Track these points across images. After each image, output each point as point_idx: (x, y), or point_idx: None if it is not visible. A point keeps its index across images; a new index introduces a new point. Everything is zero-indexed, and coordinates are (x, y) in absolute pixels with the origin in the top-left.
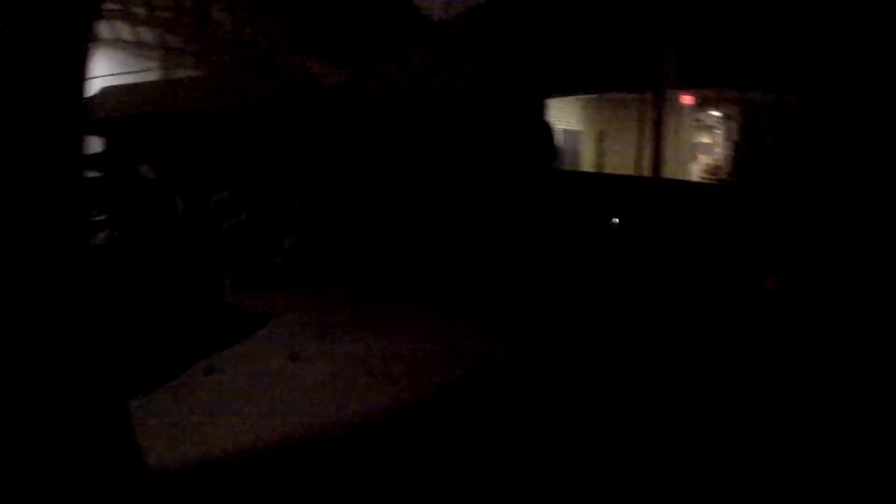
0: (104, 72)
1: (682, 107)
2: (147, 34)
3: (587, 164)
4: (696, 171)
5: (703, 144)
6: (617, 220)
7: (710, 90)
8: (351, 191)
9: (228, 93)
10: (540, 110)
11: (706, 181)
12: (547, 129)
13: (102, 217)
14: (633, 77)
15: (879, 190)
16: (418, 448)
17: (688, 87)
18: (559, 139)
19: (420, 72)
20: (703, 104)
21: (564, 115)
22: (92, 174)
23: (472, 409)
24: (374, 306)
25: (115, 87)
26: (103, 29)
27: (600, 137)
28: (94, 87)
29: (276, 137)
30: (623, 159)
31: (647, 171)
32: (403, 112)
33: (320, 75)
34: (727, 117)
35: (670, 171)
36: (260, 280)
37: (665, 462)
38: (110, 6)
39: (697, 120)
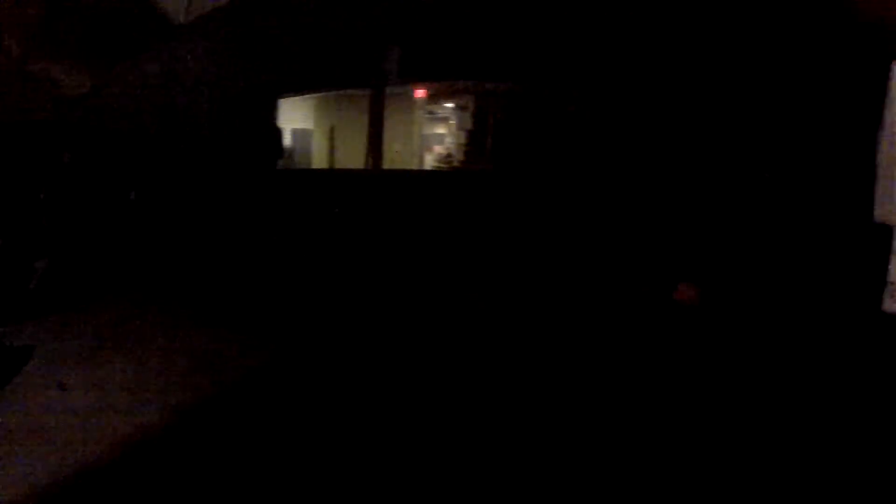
0: None
1: (415, 100)
2: None
3: (319, 161)
4: (430, 161)
5: (436, 135)
6: (338, 210)
7: (443, 83)
8: (101, 203)
9: None
10: (271, 111)
11: (438, 169)
12: (275, 130)
13: None
14: (362, 73)
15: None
16: (186, 456)
17: (419, 81)
18: (289, 139)
19: (159, 76)
20: (436, 97)
21: (296, 115)
22: None
23: (231, 413)
24: (131, 321)
25: None
26: None
27: (331, 134)
28: None
29: (19, 155)
30: (355, 155)
31: (376, 165)
32: (145, 119)
33: (65, 84)
34: (460, 108)
35: (403, 163)
36: (19, 311)
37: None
38: None
39: (431, 112)
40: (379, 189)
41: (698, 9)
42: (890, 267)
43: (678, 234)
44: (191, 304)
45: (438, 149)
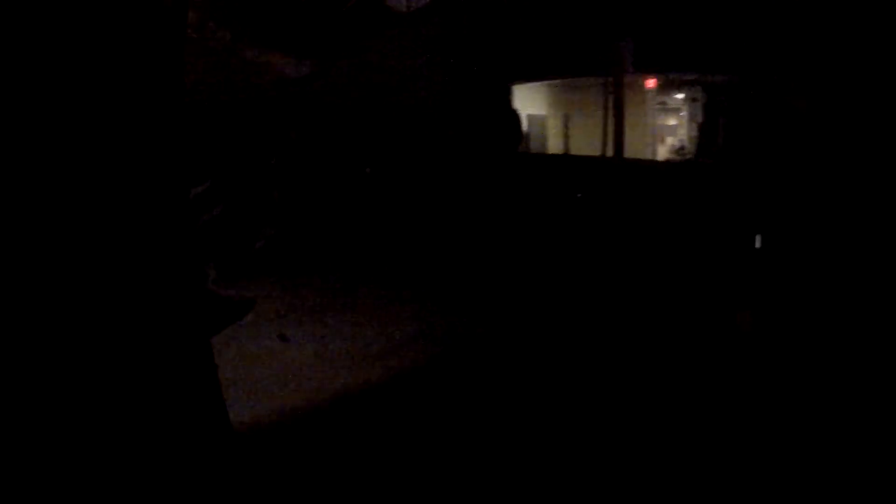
0: None
1: (646, 90)
2: None
3: (553, 147)
4: (661, 152)
5: (667, 126)
6: (580, 195)
7: (673, 74)
8: (326, 181)
9: (201, 89)
10: (506, 96)
11: (671, 160)
12: (513, 115)
13: None
14: (595, 62)
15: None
16: (395, 418)
17: (650, 71)
18: (525, 124)
19: (386, 61)
20: (666, 87)
21: (530, 101)
22: None
23: (448, 383)
24: (352, 292)
25: None
26: None
27: (566, 121)
28: None
29: (250, 131)
30: (588, 142)
31: (610, 152)
32: (370, 102)
33: (285, 68)
34: (690, 99)
35: (635, 153)
36: (243, 269)
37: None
38: None
39: (662, 103)
40: (611, 175)
41: None
42: None
43: None
44: (412, 281)
45: (668, 139)
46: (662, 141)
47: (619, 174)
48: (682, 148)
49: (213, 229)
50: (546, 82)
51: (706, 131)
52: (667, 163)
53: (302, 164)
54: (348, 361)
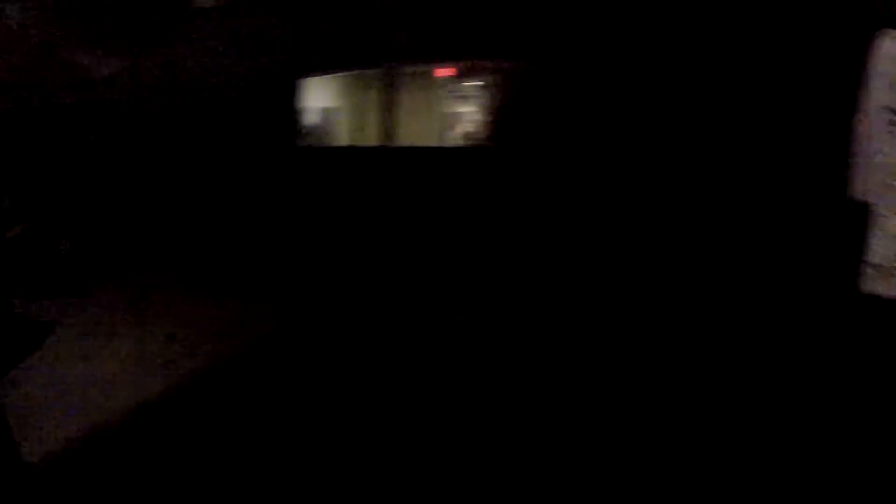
0: None
1: (437, 79)
2: None
3: (343, 139)
4: (453, 138)
5: (459, 113)
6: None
7: (467, 62)
8: (126, 185)
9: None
10: (294, 90)
11: (459, 146)
12: (299, 109)
13: None
14: (376, 54)
15: None
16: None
17: (443, 60)
18: (314, 117)
19: (192, 58)
20: (460, 76)
21: (320, 94)
22: None
23: (248, 378)
24: (153, 298)
25: None
26: None
27: (357, 113)
28: None
29: (50, 138)
30: (379, 132)
31: (401, 141)
32: (175, 101)
33: (91, 68)
34: (483, 86)
35: (423, 140)
36: (47, 288)
37: None
38: None
39: (453, 91)
40: (399, 164)
41: None
42: (870, 246)
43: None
44: (207, 279)
45: (458, 127)
46: (453, 128)
47: (397, 161)
48: (470, 133)
49: (17, 247)
50: (336, 75)
51: (494, 117)
52: (445, 148)
53: (103, 169)
54: (147, 371)
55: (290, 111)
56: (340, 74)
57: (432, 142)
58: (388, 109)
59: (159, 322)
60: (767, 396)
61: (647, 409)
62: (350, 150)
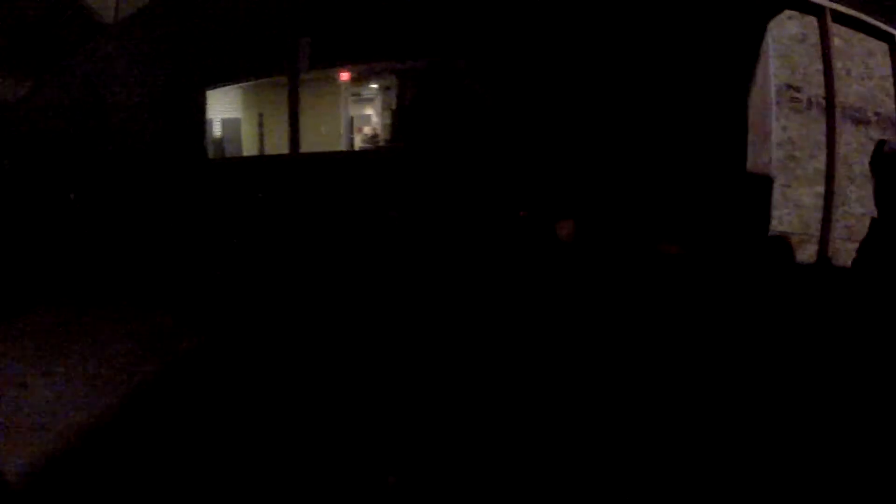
0: None
1: (339, 83)
2: None
3: (248, 148)
4: (357, 141)
5: (362, 116)
6: (261, 195)
7: (367, 64)
8: (41, 207)
9: None
10: (199, 101)
11: (363, 149)
12: (201, 120)
13: None
14: (276, 62)
15: None
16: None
17: (342, 64)
18: (218, 128)
19: (97, 75)
20: (360, 79)
21: (224, 104)
22: None
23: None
24: (78, 318)
25: None
26: None
27: (260, 122)
28: None
29: None
30: (283, 140)
31: (303, 148)
32: (81, 119)
33: (3, 90)
34: (383, 88)
35: (329, 146)
36: None
37: None
38: None
39: (356, 94)
40: (307, 170)
41: None
42: (774, 215)
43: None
44: (133, 297)
45: (364, 129)
46: (359, 131)
47: (300, 169)
48: (375, 136)
49: None
50: (238, 85)
51: (397, 118)
52: (351, 152)
53: (17, 194)
54: (85, 392)
55: (196, 124)
56: (244, 84)
57: (339, 146)
58: (294, 116)
59: (91, 341)
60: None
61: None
62: (255, 160)
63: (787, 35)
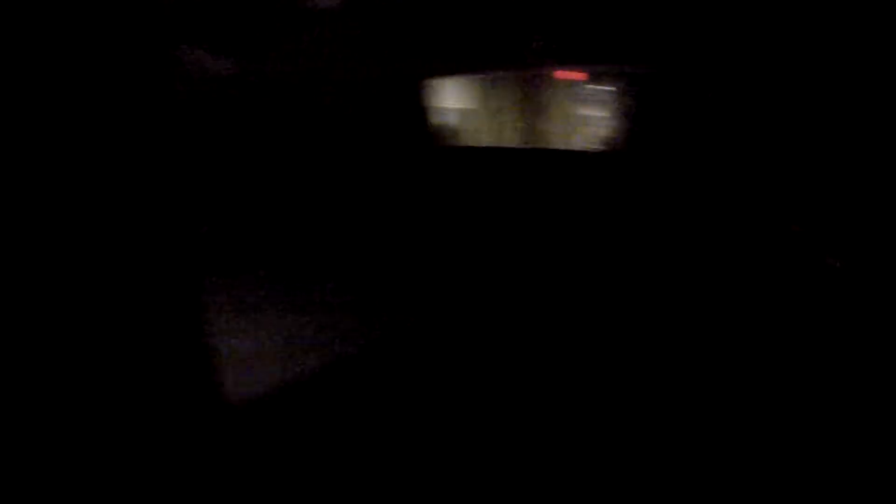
0: None
1: (570, 82)
2: None
3: (479, 140)
4: (583, 141)
5: (591, 117)
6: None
7: (599, 66)
8: (254, 181)
9: None
10: (426, 91)
11: (591, 150)
12: (433, 110)
13: None
14: (519, 55)
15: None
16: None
17: (575, 64)
18: (450, 118)
19: (305, 62)
20: (590, 80)
21: (455, 95)
22: None
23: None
24: (289, 287)
25: None
26: None
27: (491, 114)
28: None
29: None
30: (513, 133)
31: (536, 143)
32: (293, 99)
33: (210, 67)
34: (614, 91)
35: (558, 143)
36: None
37: None
38: None
39: (586, 94)
40: (532, 167)
41: None
42: None
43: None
44: (345, 275)
45: (589, 130)
46: (584, 132)
47: (536, 164)
48: (601, 138)
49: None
50: (472, 77)
51: (626, 121)
52: (584, 153)
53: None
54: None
55: (419, 113)
56: (472, 75)
57: (560, 144)
58: (522, 112)
59: (300, 308)
60: None
61: None
62: (489, 151)
63: None
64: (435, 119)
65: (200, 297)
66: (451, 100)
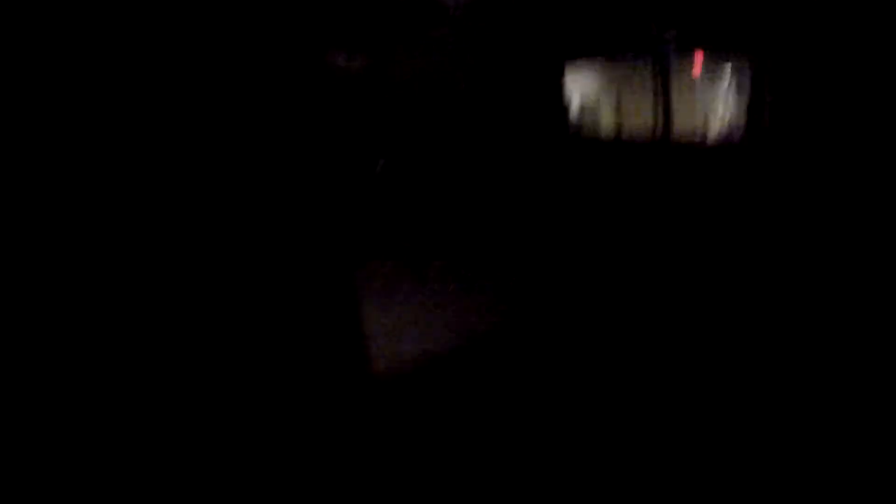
0: None
1: (696, 69)
2: None
3: (607, 128)
4: (709, 133)
5: (718, 106)
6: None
7: (723, 52)
8: (392, 171)
9: None
10: (560, 76)
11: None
12: (566, 96)
13: None
14: (646, 41)
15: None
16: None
17: (701, 49)
18: (578, 105)
19: (438, 55)
20: (712, 67)
21: (581, 80)
22: None
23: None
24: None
25: None
26: None
27: (618, 100)
28: None
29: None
30: (644, 121)
31: (674, 134)
32: (427, 93)
33: (340, 64)
34: (741, 77)
35: (686, 132)
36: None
37: None
38: None
39: (711, 80)
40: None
41: None
42: None
43: None
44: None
45: (718, 121)
46: (711, 122)
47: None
48: (729, 129)
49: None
50: (597, 62)
51: (754, 111)
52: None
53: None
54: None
55: (554, 105)
56: (602, 64)
57: (688, 134)
58: (659, 102)
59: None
60: None
61: None
62: (620, 143)
63: None
64: (564, 108)
65: (354, 278)
66: (580, 88)
